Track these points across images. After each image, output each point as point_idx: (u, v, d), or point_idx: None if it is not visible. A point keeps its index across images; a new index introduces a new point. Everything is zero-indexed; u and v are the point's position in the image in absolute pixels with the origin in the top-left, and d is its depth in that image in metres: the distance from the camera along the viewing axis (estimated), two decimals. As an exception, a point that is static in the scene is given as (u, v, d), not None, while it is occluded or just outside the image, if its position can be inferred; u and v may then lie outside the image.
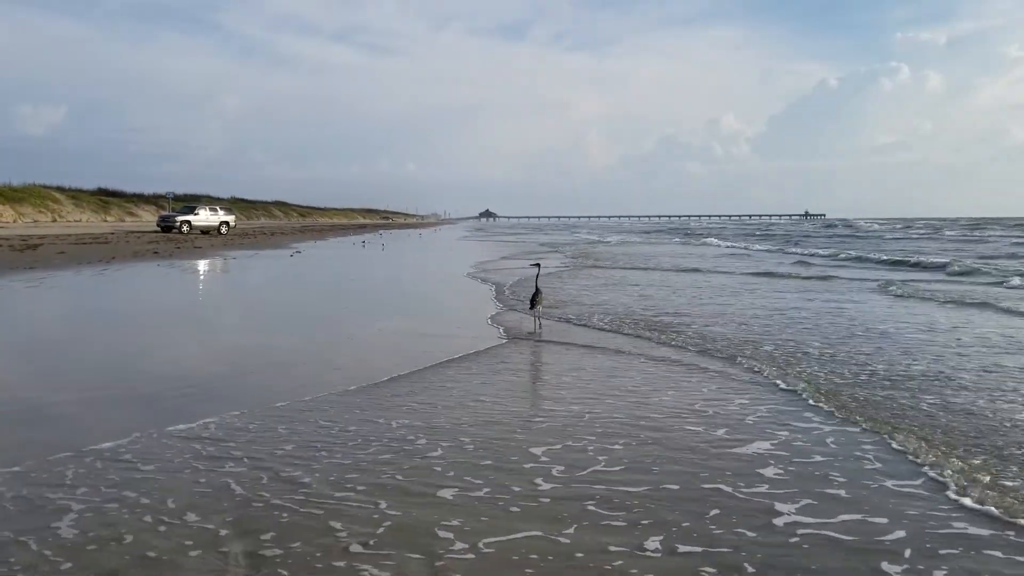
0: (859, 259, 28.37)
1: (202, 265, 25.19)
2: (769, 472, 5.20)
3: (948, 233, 59.26)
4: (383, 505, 4.71)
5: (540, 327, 11.02)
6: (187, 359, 9.24)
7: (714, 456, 5.55)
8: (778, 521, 4.41)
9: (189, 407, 6.77)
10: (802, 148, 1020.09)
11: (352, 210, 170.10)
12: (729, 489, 4.89)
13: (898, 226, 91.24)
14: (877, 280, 18.68)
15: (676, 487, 4.95)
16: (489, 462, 5.46)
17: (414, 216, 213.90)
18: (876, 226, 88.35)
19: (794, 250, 36.84)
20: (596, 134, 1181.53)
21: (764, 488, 4.91)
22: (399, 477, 5.19)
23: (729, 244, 45.24)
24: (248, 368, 8.82)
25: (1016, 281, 17.62)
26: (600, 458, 5.53)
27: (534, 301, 10.98)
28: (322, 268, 26.04)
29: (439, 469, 5.34)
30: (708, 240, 51.08)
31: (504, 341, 10.27)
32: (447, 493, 4.89)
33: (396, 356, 9.33)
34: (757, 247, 41.17)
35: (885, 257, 28.17)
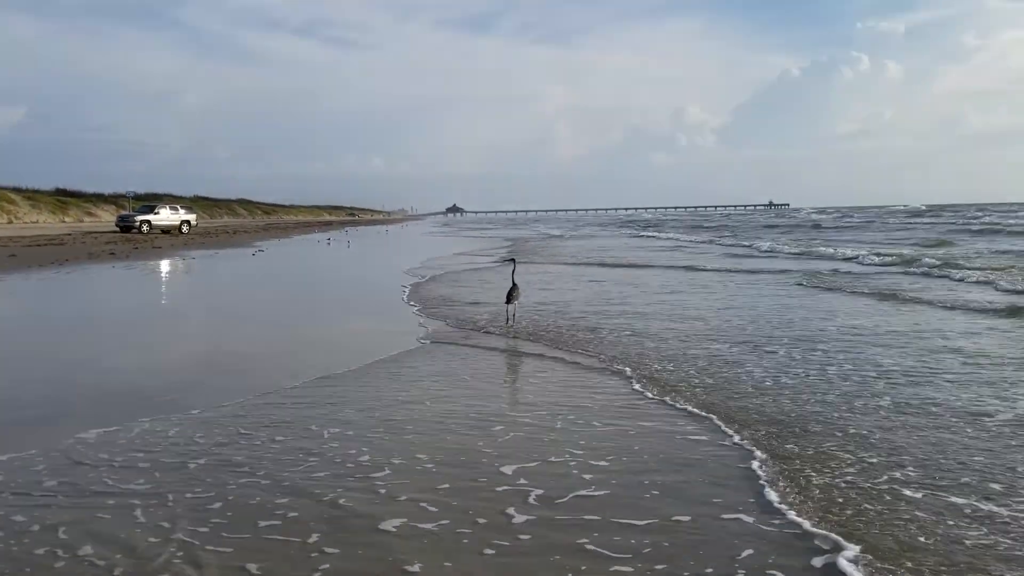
0: (772, 252, 28.41)
1: (158, 266, 24.73)
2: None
3: (892, 220, 60.19)
4: (316, 539, 3.93)
5: (514, 321, 10.93)
6: (117, 364, 8.93)
7: (723, 476, 4.85)
8: (816, 561, 3.70)
9: (107, 414, 6.37)
10: (766, 138, 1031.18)
11: (318, 207, 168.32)
12: (751, 519, 4.18)
13: (847, 213, 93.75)
14: (800, 270, 18.92)
15: (687, 518, 4.22)
16: (447, 484, 4.68)
17: (381, 212, 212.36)
18: (824, 215, 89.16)
19: (727, 241, 37.24)
20: (564, 126, 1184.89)
21: (794, 515, 4.20)
22: (342, 502, 4.41)
23: (668, 236, 46.36)
24: (177, 373, 8.35)
25: (909, 268, 18.26)
26: (586, 477, 4.79)
27: (511, 296, 10.92)
28: (283, 267, 25.75)
29: (385, 491, 4.57)
30: (652, 233, 51.49)
31: (438, 340, 10.08)
32: (398, 526, 4.10)
33: (331, 355, 9.14)
34: (690, 238, 41.87)
35: (804, 250, 28.08)
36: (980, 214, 59.22)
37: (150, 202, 59.91)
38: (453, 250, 34.50)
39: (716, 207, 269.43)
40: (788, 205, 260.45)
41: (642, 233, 52.94)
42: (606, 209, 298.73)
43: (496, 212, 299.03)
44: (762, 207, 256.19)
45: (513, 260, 12.13)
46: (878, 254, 22.72)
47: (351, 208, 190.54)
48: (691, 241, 38.67)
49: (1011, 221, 43.41)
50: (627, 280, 17.86)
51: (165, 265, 25.18)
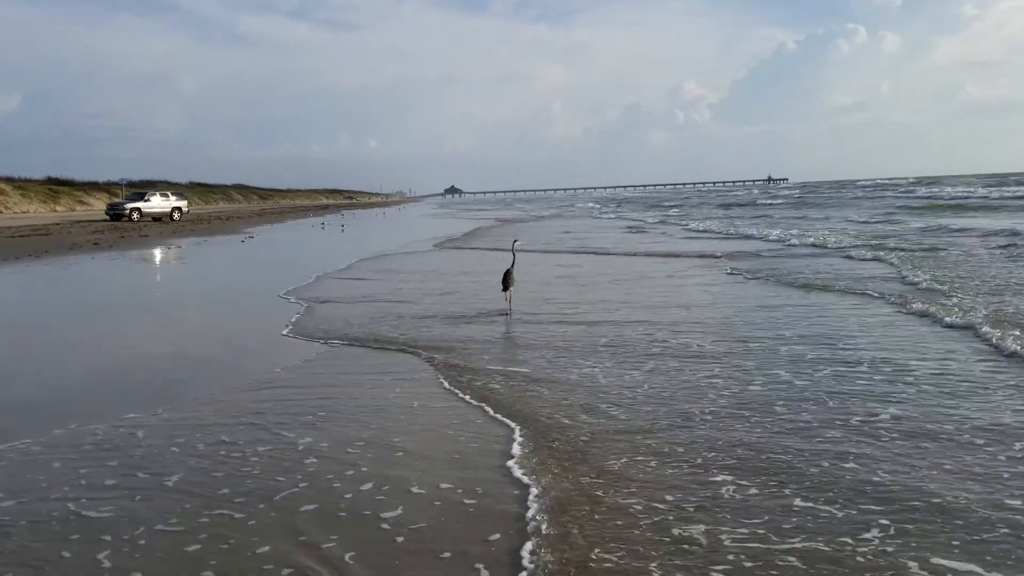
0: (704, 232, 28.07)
1: (137, 257, 24.02)
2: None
3: (852, 194, 61.31)
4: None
5: (511, 309, 10.42)
6: (47, 364, 8.31)
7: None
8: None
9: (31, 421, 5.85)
10: (764, 113, 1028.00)
11: (316, 191, 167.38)
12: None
13: (815, 189, 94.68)
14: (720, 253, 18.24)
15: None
16: (497, 534, 3.77)
17: (379, 195, 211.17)
18: (797, 191, 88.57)
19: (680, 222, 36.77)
20: (561, 105, 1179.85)
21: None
22: (348, 559, 3.55)
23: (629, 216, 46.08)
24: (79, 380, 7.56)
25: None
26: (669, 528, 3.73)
27: (506, 281, 10.43)
28: (266, 255, 25.13)
29: (404, 540, 3.71)
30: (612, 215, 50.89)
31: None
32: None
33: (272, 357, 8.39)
34: (640, 216, 42.06)
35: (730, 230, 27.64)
36: (945, 189, 57.83)
37: (143, 189, 59.15)
38: (437, 233, 33.86)
39: (715, 183, 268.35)
40: (787, 180, 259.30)
41: (609, 214, 51.77)
42: (604, 187, 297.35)
43: (495, 192, 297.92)
44: (761, 182, 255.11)
45: (515, 241, 11.52)
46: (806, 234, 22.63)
47: (349, 192, 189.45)
48: (645, 222, 38.03)
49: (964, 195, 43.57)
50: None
51: (146, 256, 24.46)
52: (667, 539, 3.58)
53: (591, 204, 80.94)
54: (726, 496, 4.06)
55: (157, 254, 24.63)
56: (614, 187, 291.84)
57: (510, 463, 4.64)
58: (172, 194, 52.97)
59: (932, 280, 11.39)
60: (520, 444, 4.98)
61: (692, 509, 3.91)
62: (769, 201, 57.03)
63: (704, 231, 28.12)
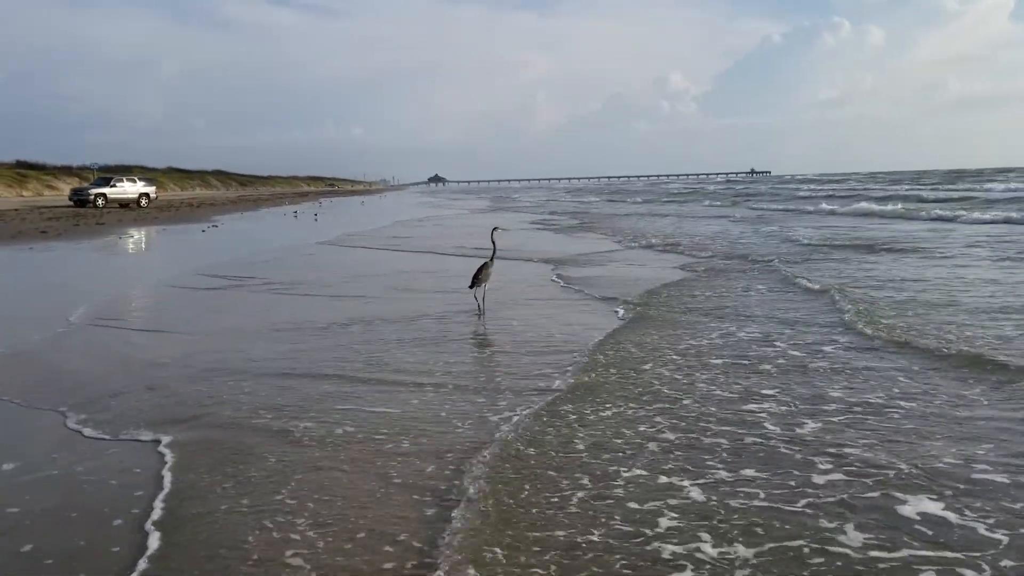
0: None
1: (72, 249, 21.41)
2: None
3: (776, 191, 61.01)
4: None
5: (483, 309, 9.31)
6: None
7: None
8: None
9: None
10: (748, 105, 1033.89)
11: (297, 178, 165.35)
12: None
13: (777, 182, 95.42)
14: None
15: None
16: None
17: (361, 183, 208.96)
18: (728, 187, 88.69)
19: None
20: (545, 95, 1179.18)
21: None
22: None
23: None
24: None
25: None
26: None
27: (477, 278, 9.21)
28: (204, 248, 22.88)
29: None
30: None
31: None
32: None
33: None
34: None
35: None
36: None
37: (115, 174, 57.34)
38: (391, 220, 33.20)
39: (699, 175, 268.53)
40: (769, 172, 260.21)
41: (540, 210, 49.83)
42: (588, 178, 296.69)
43: (478, 182, 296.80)
44: (744, 174, 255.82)
45: (495, 229, 10.09)
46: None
47: (331, 179, 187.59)
48: (558, 220, 36.34)
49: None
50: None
51: (84, 247, 22.09)
52: None
53: (540, 197, 79.64)
54: None
55: (93, 245, 22.53)
56: (598, 178, 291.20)
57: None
58: (140, 179, 51.41)
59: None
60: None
61: None
62: (683, 199, 55.94)
63: (588, 225, 28.35)
